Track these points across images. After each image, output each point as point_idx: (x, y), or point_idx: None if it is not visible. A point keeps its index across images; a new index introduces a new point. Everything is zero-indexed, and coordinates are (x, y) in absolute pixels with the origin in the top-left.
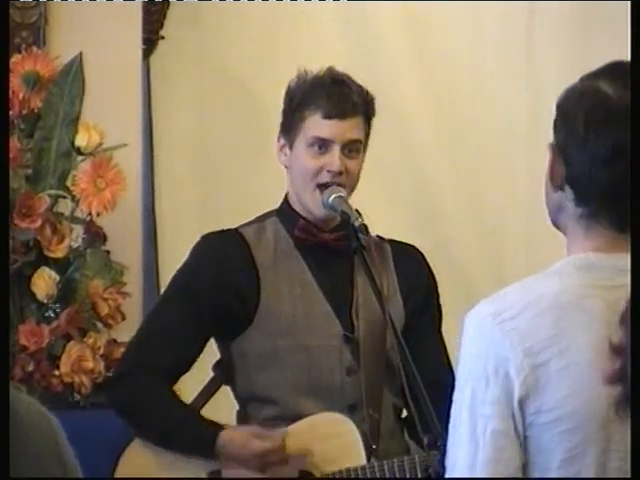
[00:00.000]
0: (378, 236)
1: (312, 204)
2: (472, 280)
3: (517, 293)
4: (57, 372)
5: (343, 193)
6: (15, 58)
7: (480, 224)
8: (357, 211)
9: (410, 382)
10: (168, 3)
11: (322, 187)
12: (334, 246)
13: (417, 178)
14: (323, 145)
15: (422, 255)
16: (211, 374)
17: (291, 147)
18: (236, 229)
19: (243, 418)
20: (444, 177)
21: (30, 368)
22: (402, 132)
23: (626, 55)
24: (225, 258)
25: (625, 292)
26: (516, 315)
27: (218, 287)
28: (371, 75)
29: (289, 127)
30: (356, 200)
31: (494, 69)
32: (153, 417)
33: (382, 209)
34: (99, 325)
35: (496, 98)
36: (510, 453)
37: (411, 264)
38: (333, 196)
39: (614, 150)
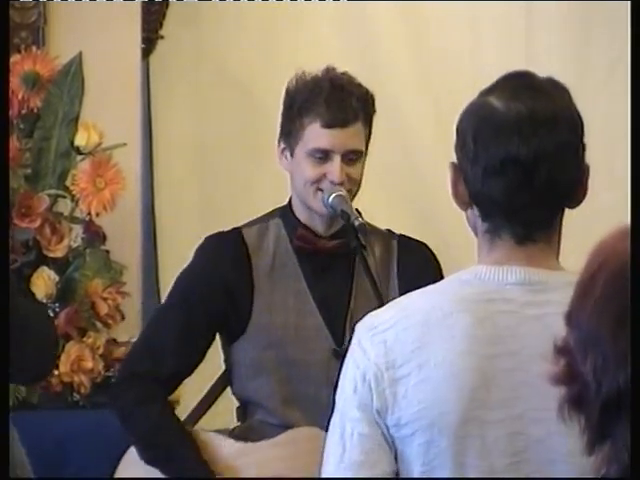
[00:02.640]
0: (388, 230)
1: (316, 205)
2: None
3: (396, 308)
4: (56, 372)
5: (343, 192)
6: (14, 58)
7: None
8: (357, 210)
9: None
10: (167, 3)
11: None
12: (334, 253)
13: (417, 178)
14: (324, 154)
15: (431, 253)
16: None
17: (292, 153)
18: (239, 229)
19: (241, 416)
20: (444, 177)
21: None
22: (402, 132)
23: (625, 55)
24: (222, 264)
25: (504, 305)
26: (387, 328)
27: (217, 293)
28: (370, 75)
29: (289, 133)
30: (356, 200)
31: (493, 69)
32: (146, 436)
33: (382, 209)
34: (98, 325)
35: None
36: (377, 456)
37: (416, 264)
38: (333, 195)
39: (502, 162)
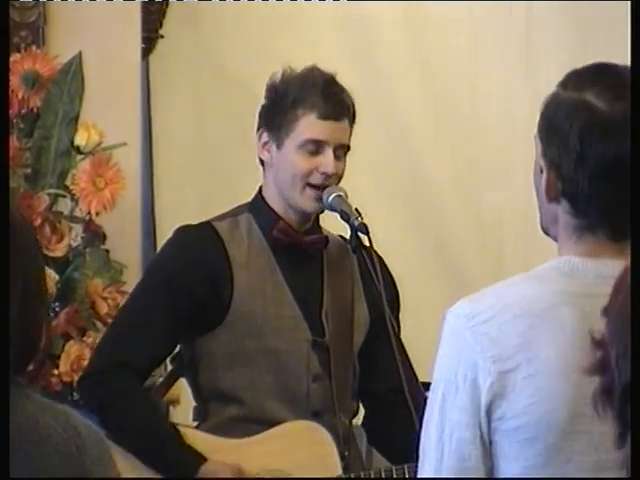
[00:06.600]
0: (341, 237)
1: (302, 202)
2: (472, 279)
3: (494, 295)
4: (56, 371)
5: (342, 192)
6: (14, 57)
7: (479, 223)
8: (357, 210)
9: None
10: (167, 2)
11: (313, 187)
12: (310, 249)
13: (417, 178)
14: (316, 147)
15: (385, 263)
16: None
17: (279, 146)
18: (210, 223)
19: (202, 416)
20: (444, 177)
21: (30, 367)
22: (402, 132)
23: (625, 55)
24: (201, 252)
25: (604, 301)
26: (489, 319)
27: (194, 282)
28: (370, 75)
29: (278, 125)
30: (356, 200)
31: (493, 69)
32: (130, 427)
33: (382, 209)
34: (98, 324)
35: (495, 98)
36: (474, 462)
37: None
38: (333, 195)
39: (611, 166)
